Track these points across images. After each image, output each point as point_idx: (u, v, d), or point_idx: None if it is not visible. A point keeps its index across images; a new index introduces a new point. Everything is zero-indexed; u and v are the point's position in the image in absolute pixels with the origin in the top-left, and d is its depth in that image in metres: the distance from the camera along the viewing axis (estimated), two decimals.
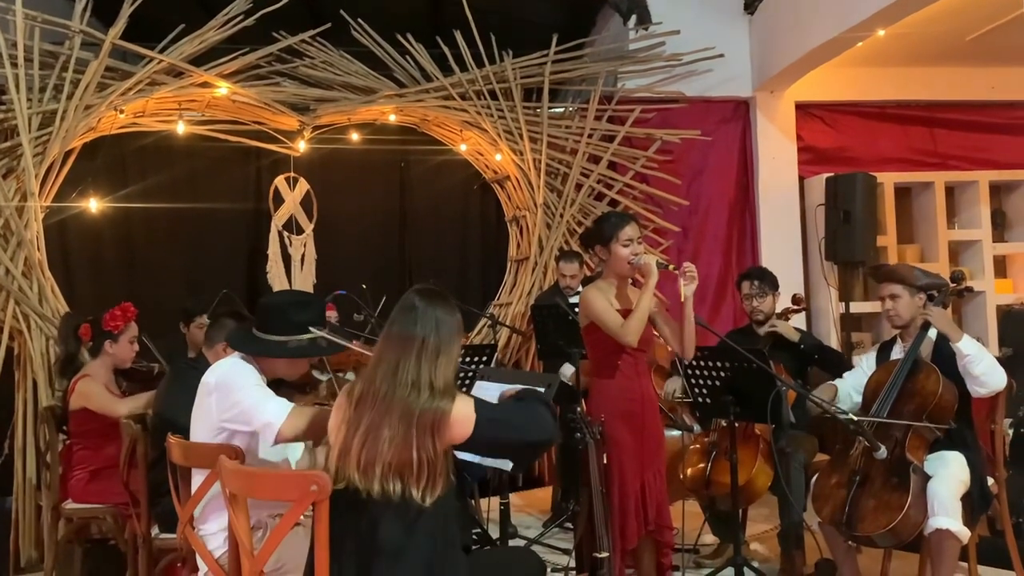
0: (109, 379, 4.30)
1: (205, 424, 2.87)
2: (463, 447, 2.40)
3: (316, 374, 4.27)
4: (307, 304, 3.00)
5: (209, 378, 2.88)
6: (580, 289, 5.44)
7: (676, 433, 4.65)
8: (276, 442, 2.76)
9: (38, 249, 5.14)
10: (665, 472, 3.67)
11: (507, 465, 2.77)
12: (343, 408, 2.42)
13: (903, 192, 7.05)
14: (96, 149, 5.80)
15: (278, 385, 2.98)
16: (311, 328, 2.89)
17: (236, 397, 2.79)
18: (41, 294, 5.09)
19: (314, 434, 2.76)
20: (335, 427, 2.42)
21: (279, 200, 6.33)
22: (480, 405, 2.41)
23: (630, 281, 3.70)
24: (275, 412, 2.73)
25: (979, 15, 5.73)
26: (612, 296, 3.55)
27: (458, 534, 2.42)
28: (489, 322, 5.99)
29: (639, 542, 3.56)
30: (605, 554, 3.22)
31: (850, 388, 3.99)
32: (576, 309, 4.45)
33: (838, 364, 4.58)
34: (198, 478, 2.87)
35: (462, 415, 2.35)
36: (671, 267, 3.48)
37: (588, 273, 5.65)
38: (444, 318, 2.43)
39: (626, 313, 3.51)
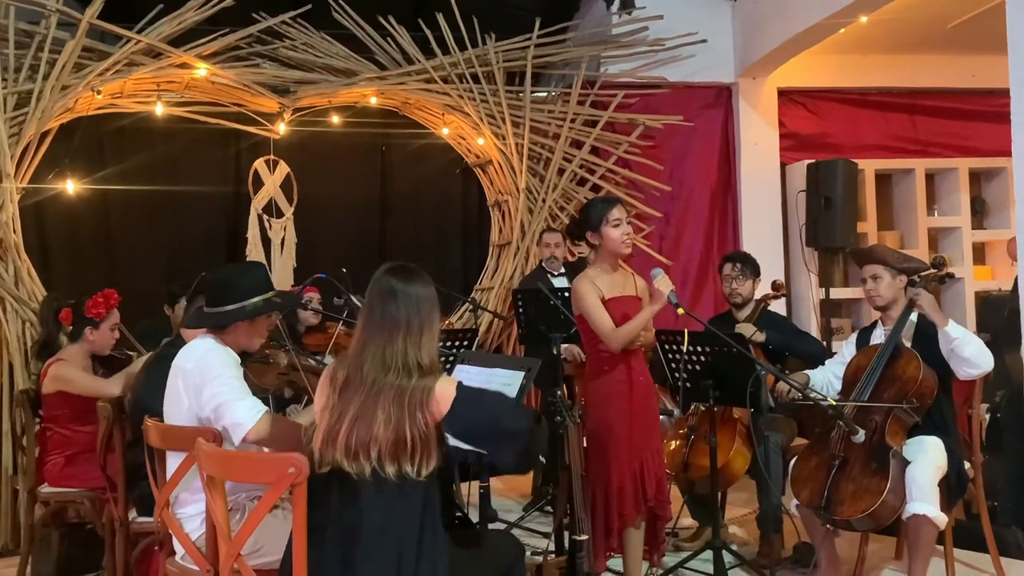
0: (86, 365, 4.26)
1: (178, 409, 2.86)
2: (443, 427, 2.41)
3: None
4: (249, 269, 3.07)
5: (185, 364, 2.86)
6: (563, 270, 5.44)
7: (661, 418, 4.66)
8: (243, 441, 2.72)
9: (14, 231, 5.07)
10: (663, 450, 3.71)
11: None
12: (326, 393, 2.43)
13: (884, 179, 7.07)
14: (73, 130, 5.73)
15: (243, 358, 2.97)
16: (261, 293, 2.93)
17: (212, 389, 2.76)
18: (17, 276, 5.03)
19: (278, 445, 2.72)
20: (318, 411, 2.44)
21: (259, 183, 6.29)
22: (461, 386, 2.44)
23: (620, 263, 3.69)
24: (246, 414, 2.70)
25: (961, 3, 5.75)
26: (604, 285, 3.53)
27: (439, 516, 2.43)
28: (471, 307, 5.98)
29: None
30: (584, 537, 3.22)
31: (831, 375, 4.01)
32: (559, 292, 4.46)
33: (817, 349, 4.60)
34: (173, 461, 2.84)
35: (443, 393, 2.38)
36: (680, 310, 3.44)
37: (569, 258, 5.64)
38: (422, 294, 2.45)
39: (616, 300, 3.51)
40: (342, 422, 2.34)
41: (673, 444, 4.38)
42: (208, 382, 2.78)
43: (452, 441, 2.96)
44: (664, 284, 3.41)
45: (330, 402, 2.39)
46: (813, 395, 3.71)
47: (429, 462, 2.33)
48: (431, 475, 2.36)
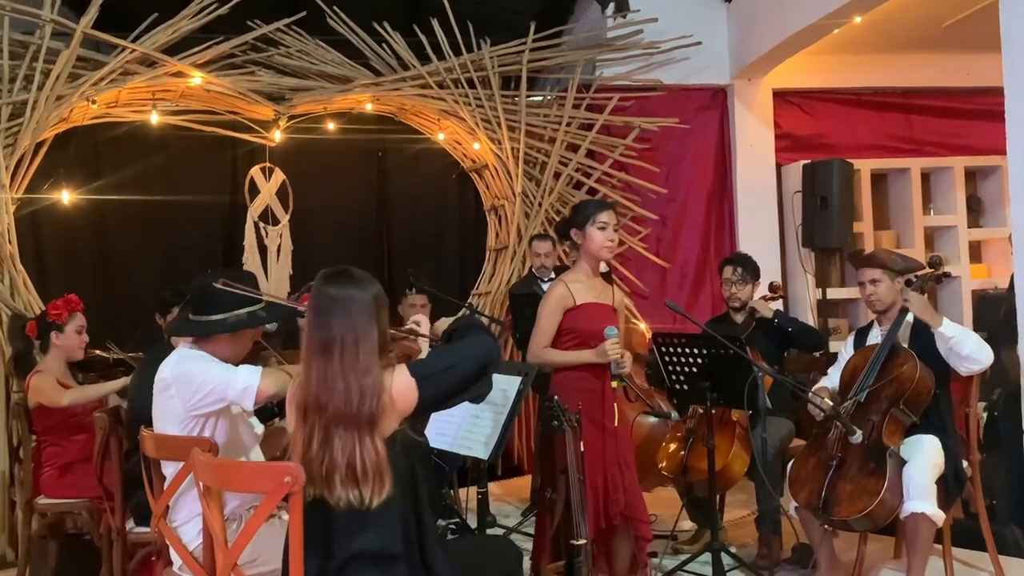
0: (63, 372, 4.28)
1: (171, 419, 2.86)
2: (421, 412, 2.37)
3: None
4: (237, 280, 3.01)
5: (164, 373, 2.87)
6: (554, 276, 5.44)
7: (653, 420, 4.66)
8: (257, 402, 2.77)
9: (9, 242, 5.07)
10: (634, 463, 3.62)
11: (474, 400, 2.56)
12: (292, 414, 2.39)
13: (879, 178, 7.07)
14: (68, 140, 5.74)
15: None
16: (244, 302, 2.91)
17: (199, 381, 2.78)
18: (13, 287, 5.04)
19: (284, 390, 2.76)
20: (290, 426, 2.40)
21: (255, 190, 6.29)
22: (414, 367, 2.37)
23: (603, 269, 3.68)
24: (248, 377, 2.76)
25: (954, 2, 5.75)
26: (580, 290, 3.51)
27: (430, 531, 2.39)
28: (468, 311, 5.98)
29: (615, 535, 3.55)
30: (582, 541, 3.22)
31: (836, 380, 4.01)
32: None
33: (813, 340, 4.62)
34: (170, 470, 2.85)
35: (402, 387, 2.32)
36: (615, 383, 3.45)
37: (564, 260, 5.64)
38: (355, 298, 2.32)
39: (588, 306, 3.50)
40: (310, 449, 2.28)
41: (671, 447, 4.38)
42: (195, 377, 2.79)
43: (444, 445, 2.94)
44: (614, 350, 3.38)
45: (297, 423, 2.34)
46: (816, 401, 3.70)
47: (381, 490, 2.25)
48: (396, 501, 2.29)
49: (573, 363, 3.47)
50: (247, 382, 2.75)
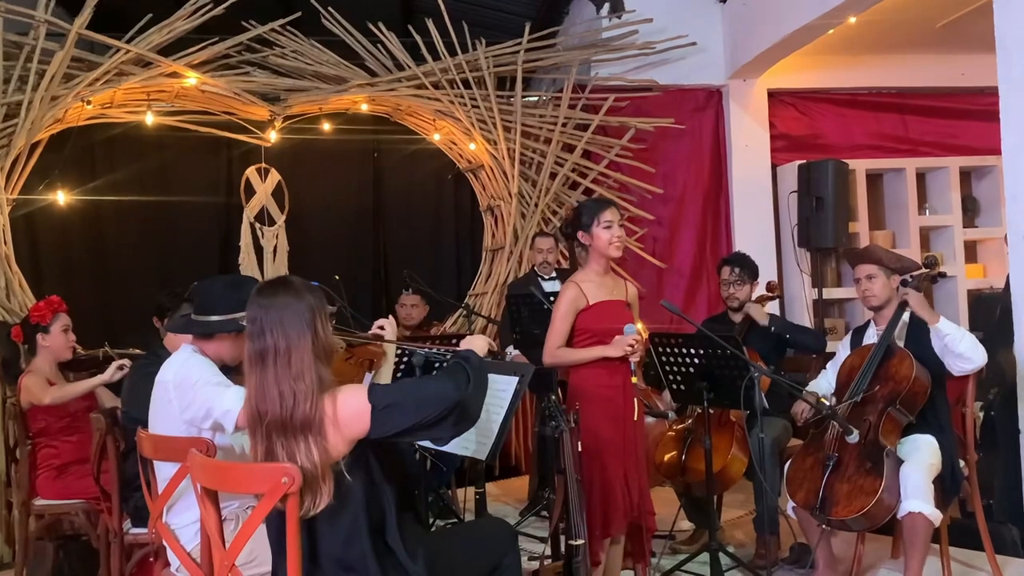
0: (53, 372, 4.28)
1: (166, 423, 2.87)
2: (375, 439, 2.30)
3: None
4: (243, 283, 3.02)
5: (166, 376, 2.88)
6: (555, 274, 5.44)
7: (650, 420, 4.66)
8: (237, 427, 2.76)
9: (4, 243, 5.06)
10: (645, 458, 3.67)
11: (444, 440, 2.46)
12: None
13: (875, 178, 7.09)
14: (63, 140, 5.72)
15: (225, 372, 2.97)
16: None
17: (192, 395, 2.79)
18: (9, 288, 5.02)
19: None
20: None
21: (250, 191, 6.27)
22: (375, 392, 2.31)
23: (611, 267, 3.69)
24: (232, 400, 2.74)
25: (949, 2, 5.76)
26: (592, 289, 3.53)
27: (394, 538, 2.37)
28: (464, 312, 5.98)
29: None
30: (580, 541, 3.22)
31: (832, 379, 4.01)
32: (552, 297, 4.46)
33: (812, 342, 4.62)
34: (166, 471, 2.85)
35: (353, 409, 2.27)
36: (634, 379, 3.50)
37: (563, 261, 5.64)
38: (289, 306, 2.28)
39: (602, 305, 3.52)
40: (257, 460, 2.30)
41: (669, 447, 4.38)
42: (191, 387, 2.79)
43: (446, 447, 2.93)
44: (631, 333, 3.43)
45: (251, 439, 2.35)
46: (815, 402, 3.70)
47: (319, 499, 2.23)
48: (344, 515, 2.29)
49: (589, 359, 3.49)
50: (230, 405, 2.74)
